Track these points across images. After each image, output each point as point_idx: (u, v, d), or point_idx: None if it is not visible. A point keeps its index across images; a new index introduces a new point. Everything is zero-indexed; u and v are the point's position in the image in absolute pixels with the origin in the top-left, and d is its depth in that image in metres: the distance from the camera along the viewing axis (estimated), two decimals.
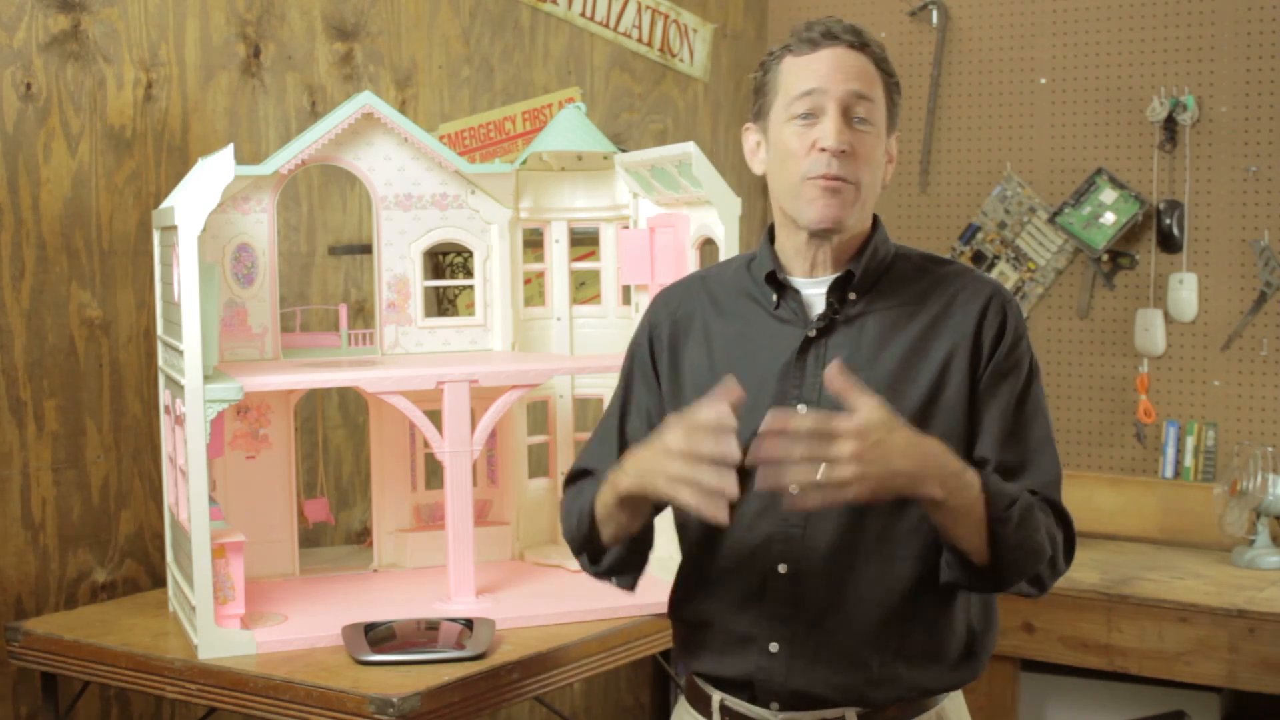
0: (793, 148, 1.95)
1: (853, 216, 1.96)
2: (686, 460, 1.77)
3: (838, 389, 1.76)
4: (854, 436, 1.71)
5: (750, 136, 2.07)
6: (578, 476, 2.14)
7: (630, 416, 2.11)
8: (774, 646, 1.96)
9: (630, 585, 2.10)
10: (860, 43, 1.97)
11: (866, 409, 1.74)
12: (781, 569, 1.95)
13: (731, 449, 1.74)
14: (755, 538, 1.97)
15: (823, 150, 1.92)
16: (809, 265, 2.01)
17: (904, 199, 4.38)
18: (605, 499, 1.97)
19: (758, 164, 2.06)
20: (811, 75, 1.95)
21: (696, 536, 2.05)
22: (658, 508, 1.99)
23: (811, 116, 1.94)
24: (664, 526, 2.11)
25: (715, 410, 1.77)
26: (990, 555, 1.85)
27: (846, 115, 1.94)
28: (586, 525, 2.02)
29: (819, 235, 1.97)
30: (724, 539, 1.99)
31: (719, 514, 1.74)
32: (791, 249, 2.02)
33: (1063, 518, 1.95)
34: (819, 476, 1.70)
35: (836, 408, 1.86)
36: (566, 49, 3.87)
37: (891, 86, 1.99)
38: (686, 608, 2.06)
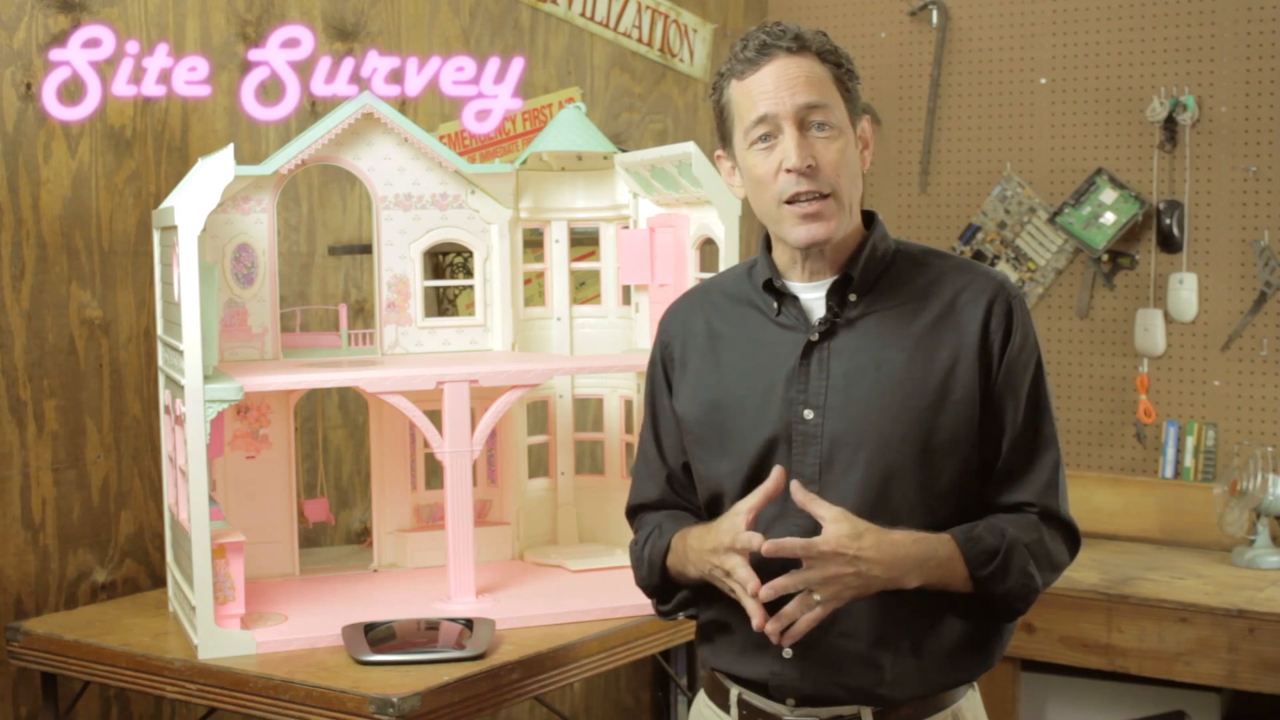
0: (760, 174, 1.94)
1: (839, 227, 1.94)
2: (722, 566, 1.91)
3: (800, 503, 1.86)
4: (828, 560, 1.82)
5: (723, 164, 2.06)
6: (636, 511, 2.18)
7: (664, 441, 2.12)
8: (788, 653, 1.96)
9: (697, 615, 2.13)
10: (799, 45, 1.93)
11: (832, 525, 1.83)
12: None
13: (745, 551, 1.88)
14: None
15: (789, 171, 1.91)
16: (806, 273, 2.00)
17: (904, 199, 4.38)
18: (675, 567, 2.04)
19: (736, 190, 2.05)
20: (758, 98, 1.93)
21: None
22: None
23: (770, 138, 1.93)
24: None
25: (741, 519, 1.89)
26: (980, 599, 1.93)
27: (803, 127, 1.92)
28: (658, 577, 2.07)
29: (809, 249, 1.97)
30: None
31: (755, 616, 1.87)
32: (787, 258, 2.01)
33: (1063, 524, 1.98)
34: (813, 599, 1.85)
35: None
36: (566, 49, 3.87)
37: (843, 76, 1.95)
38: (710, 609, 2.07)
